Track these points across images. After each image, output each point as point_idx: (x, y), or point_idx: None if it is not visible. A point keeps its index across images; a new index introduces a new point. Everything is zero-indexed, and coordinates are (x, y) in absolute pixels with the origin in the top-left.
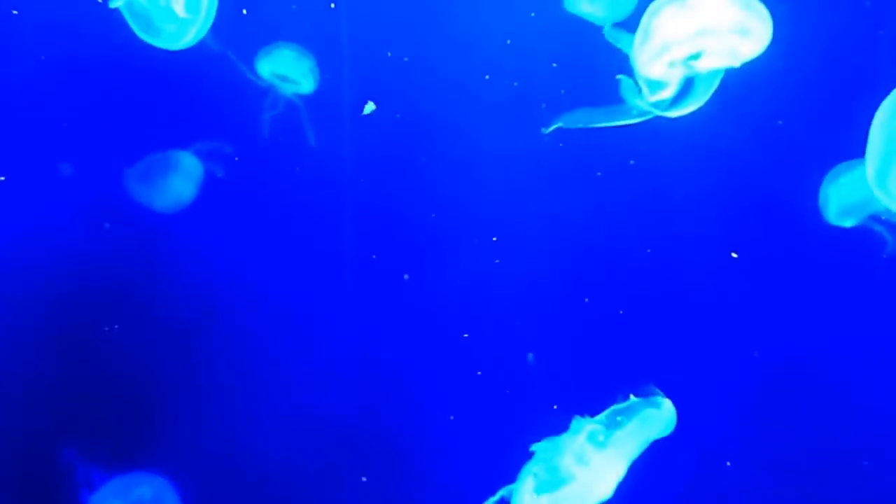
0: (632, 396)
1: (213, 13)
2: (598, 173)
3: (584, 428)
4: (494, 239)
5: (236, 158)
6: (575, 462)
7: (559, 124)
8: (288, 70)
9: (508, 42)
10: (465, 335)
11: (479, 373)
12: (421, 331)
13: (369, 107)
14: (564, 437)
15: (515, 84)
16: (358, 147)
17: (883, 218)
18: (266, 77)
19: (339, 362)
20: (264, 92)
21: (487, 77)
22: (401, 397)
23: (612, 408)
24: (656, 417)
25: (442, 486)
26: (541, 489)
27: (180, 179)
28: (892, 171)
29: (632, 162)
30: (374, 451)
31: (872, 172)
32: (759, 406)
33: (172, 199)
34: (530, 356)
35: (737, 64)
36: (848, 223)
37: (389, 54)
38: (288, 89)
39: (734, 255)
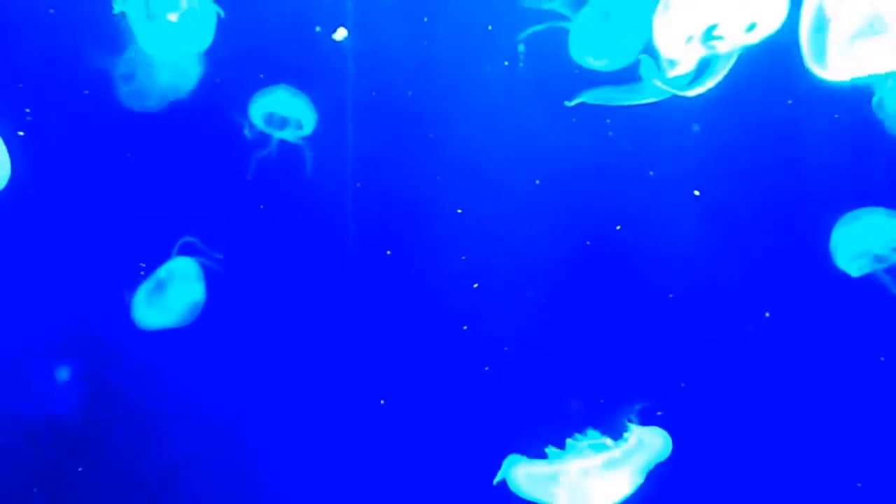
0: (632, 421)
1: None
2: (611, 132)
3: (586, 442)
4: (459, 211)
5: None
6: (577, 469)
7: (581, 99)
8: (286, 110)
9: (490, 28)
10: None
11: (486, 368)
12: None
13: (340, 33)
14: (568, 446)
15: (521, 65)
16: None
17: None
18: (261, 122)
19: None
20: (257, 140)
21: (507, 63)
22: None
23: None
24: (653, 444)
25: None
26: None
27: (182, 288)
28: (826, 44)
29: (650, 173)
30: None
31: (808, 49)
32: (758, 436)
33: (185, 311)
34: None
35: (754, 40)
36: (856, 270)
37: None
38: (288, 134)
39: (696, 192)
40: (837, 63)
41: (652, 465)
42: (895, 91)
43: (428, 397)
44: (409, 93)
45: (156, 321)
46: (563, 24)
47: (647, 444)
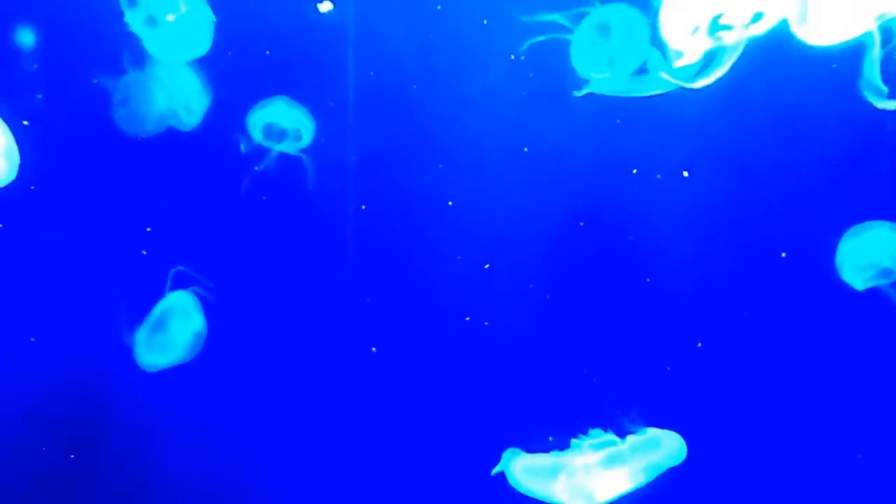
0: (637, 420)
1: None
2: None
3: (593, 438)
4: (450, 203)
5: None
6: (576, 464)
7: (590, 89)
8: (284, 121)
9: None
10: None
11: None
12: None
13: (325, 6)
14: (575, 442)
15: (522, 58)
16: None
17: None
18: (260, 134)
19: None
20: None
21: (513, 57)
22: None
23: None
24: (663, 448)
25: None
26: (536, 472)
27: (182, 323)
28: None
29: (658, 176)
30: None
31: (794, 13)
32: (755, 445)
33: (188, 344)
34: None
35: (762, 31)
36: (862, 284)
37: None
38: (287, 146)
39: (686, 174)
40: (819, 26)
41: (659, 467)
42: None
43: (432, 391)
44: (414, 86)
45: (160, 361)
46: (564, 35)
47: (652, 442)
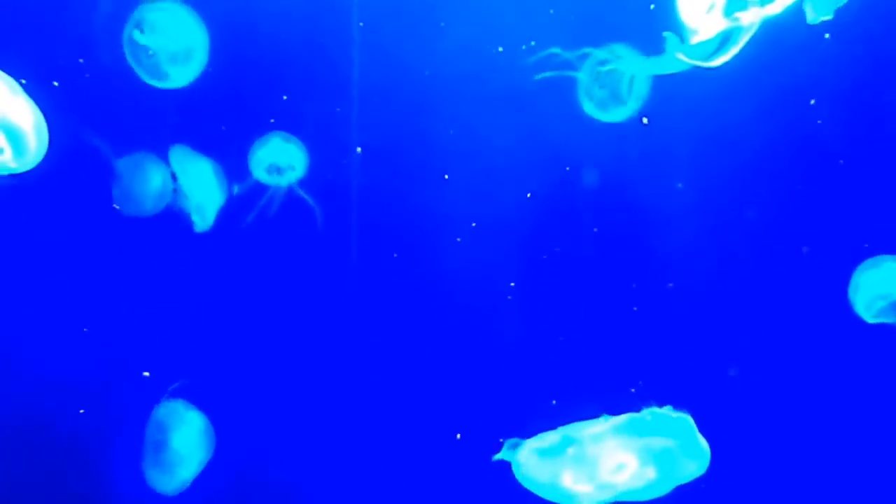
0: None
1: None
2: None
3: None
4: (446, 177)
5: None
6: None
7: (606, 68)
8: (283, 159)
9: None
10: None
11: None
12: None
13: None
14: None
15: (527, 45)
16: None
17: None
18: (261, 172)
19: None
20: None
21: (531, 44)
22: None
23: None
24: (673, 433)
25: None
26: (543, 453)
27: (183, 432)
28: None
29: (679, 185)
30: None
31: None
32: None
33: (199, 448)
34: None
35: (778, 9)
36: (872, 317)
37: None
38: (285, 180)
39: (644, 120)
40: None
41: (669, 453)
42: None
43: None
44: (427, 72)
45: (179, 478)
46: (571, 73)
47: (660, 424)
